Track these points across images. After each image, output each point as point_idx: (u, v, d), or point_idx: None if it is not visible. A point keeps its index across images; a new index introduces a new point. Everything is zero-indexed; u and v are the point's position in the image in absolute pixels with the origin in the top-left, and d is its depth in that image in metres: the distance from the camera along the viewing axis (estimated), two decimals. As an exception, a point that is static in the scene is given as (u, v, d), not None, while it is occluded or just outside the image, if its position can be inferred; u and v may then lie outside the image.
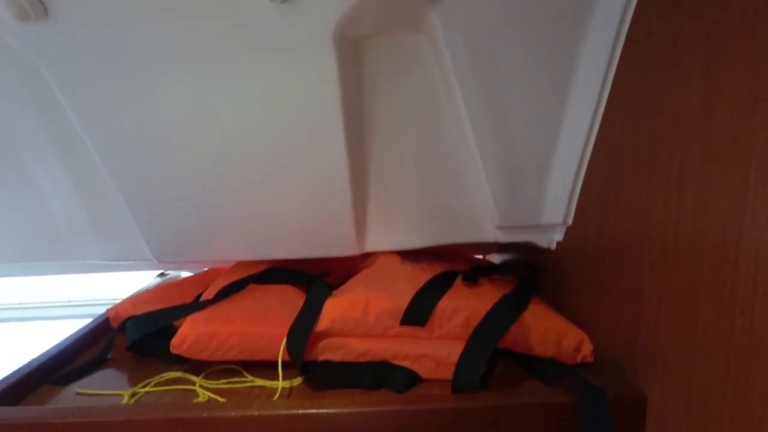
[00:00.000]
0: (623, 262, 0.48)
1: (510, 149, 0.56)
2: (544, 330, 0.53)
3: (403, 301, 0.53)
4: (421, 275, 0.60)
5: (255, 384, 0.53)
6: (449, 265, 0.68)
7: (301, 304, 0.56)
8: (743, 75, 0.31)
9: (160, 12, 0.43)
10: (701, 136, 0.36)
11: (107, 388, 0.53)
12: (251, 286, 0.64)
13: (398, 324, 0.52)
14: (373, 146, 0.60)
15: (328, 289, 0.58)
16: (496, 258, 1.01)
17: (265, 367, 0.54)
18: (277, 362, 0.51)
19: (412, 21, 0.50)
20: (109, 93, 0.51)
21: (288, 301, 0.60)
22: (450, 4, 0.47)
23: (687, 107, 0.37)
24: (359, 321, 0.52)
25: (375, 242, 0.69)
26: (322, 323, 0.52)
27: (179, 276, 1.06)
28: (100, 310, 0.73)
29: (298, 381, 0.53)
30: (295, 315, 0.55)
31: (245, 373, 0.55)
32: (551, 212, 0.61)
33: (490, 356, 0.47)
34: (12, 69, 0.56)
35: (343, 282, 0.63)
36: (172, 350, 0.54)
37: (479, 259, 0.98)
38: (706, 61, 0.35)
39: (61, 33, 0.45)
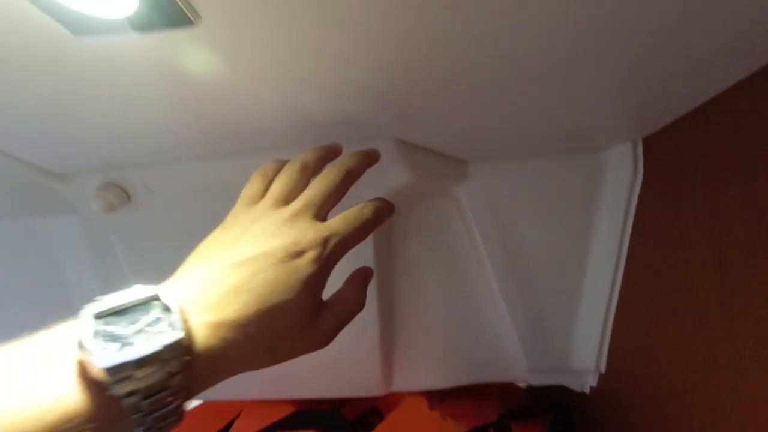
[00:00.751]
0: (662, 410, 0.46)
1: (535, 301, 0.58)
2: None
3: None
4: (448, 428, 0.57)
5: None
6: (478, 405, 0.66)
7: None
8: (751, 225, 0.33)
9: (231, 195, 0.48)
10: (723, 279, 0.36)
11: None
12: (277, 432, 0.62)
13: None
14: (401, 287, 0.62)
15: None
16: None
17: None
18: None
19: (440, 193, 0.55)
20: (167, 265, 0.55)
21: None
22: (473, 179, 0.53)
23: (701, 252, 0.39)
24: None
25: (401, 382, 0.68)
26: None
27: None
28: None
29: None
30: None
31: None
32: (581, 359, 0.61)
33: None
34: (78, 225, 0.62)
35: (361, 415, 0.61)
36: None
37: (510, 385, 0.94)
38: (714, 212, 0.37)
39: (136, 213, 0.50)
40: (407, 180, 0.46)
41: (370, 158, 0.35)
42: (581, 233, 0.54)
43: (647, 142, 0.48)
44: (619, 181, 0.51)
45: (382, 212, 0.32)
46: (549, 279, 0.56)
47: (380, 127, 0.42)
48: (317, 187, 0.30)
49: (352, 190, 0.34)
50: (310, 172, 0.32)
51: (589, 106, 0.38)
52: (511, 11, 0.24)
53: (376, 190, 0.48)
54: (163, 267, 0.58)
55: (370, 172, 0.46)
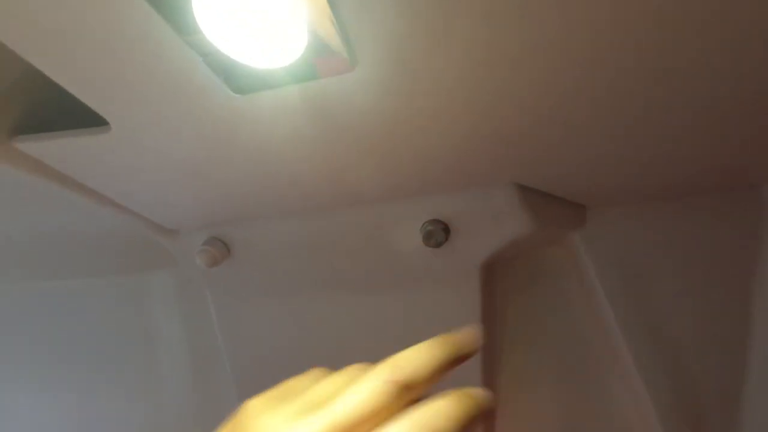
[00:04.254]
0: None
1: (681, 378, 0.47)
2: None
3: None
4: None
5: None
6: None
7: None
8: None
9: (326, 250, 0.46)
10: None
11: None
12: None
13: None
14: (505, 362, 0.55)
15: None
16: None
17: None
18: None
19: (554, 241, 0.49)
20: (258, 323, 0.54)
21: None
22: (594, 225, 0.47)
23: None
24: None
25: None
26: None
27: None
28: None
29: None
30: None
31: None
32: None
33: None
34: (172, 280, 0.63)
35: None
36: None
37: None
38: None
39: (234, 268, 0.50)
40: (526, 228, 0.42)
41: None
42: (740, 291, 0.44)
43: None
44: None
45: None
46: (695, 347, 0.46)
47: (501, 170, 0.38)
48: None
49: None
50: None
51: (748, 131, 0.33)
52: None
53: (490, 239, 0.44)
54: (253, 325, 0.57)
55: (485, 221, 0.42)
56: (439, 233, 0.42)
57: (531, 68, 0.24)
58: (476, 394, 0.20)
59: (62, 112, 0.33)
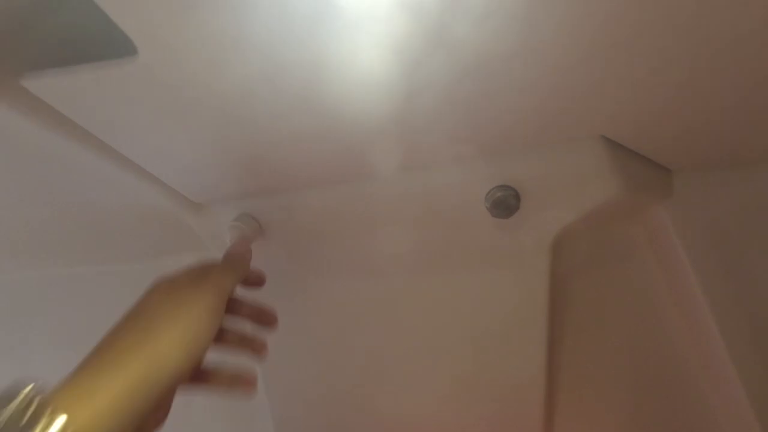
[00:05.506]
0: None
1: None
2: None
3: None
4: None
5: None
6: None
7: None
8: None
9: (374, 225, 0.41)
10: None
11: None
12: None
13: None
14: (570, 348, 0.49)
15: None
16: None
17: None
18: None
19: (634, 212, 0.43)
20: (295, 302, 0.49)
21: None
22: (683, 193, 0.40)
23: None
24: None
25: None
26: None
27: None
28: None
29: None
30: None
31: None
32: None
33: None
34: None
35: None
36: None
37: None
38: None
39: (266, 247, 0.45)
40: (614, 193, 0.35)
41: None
42: None
43: None
44: None
45: None
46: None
47: (586, 120, 0.32)
48: None
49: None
50: None
51: None
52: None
53: (567, 208, 0.38)
54: (290, 313, 0.52)
55: (564, 185, 0.36)
56: (508, 201, 0.36)
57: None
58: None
59: (74, 59, 0.29)
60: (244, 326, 0.33)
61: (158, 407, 0.25)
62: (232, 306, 0.32)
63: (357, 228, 0.42)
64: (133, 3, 0.22)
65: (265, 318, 0.34)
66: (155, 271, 0.63)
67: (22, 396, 0.21)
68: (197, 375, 0.29)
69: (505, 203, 0.36)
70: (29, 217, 0.50)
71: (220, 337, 0.31)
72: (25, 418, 0.20)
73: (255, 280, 0.35)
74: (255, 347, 0.32)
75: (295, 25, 0.23)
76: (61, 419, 0.20)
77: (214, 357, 0.29)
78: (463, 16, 0.22)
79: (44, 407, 0.20)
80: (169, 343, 0.24)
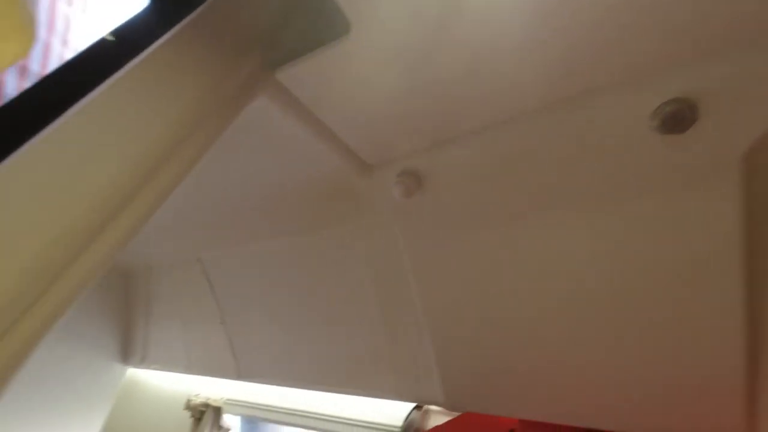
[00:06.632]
0: None
1: None
2: None
3: None
4: None
5: None
6: None
7: None
8: None
9: (531, 164, 0.43)
10: None
11: None
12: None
13: None
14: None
15: None
16: None
17: None
18: None
19: None
20: (453, 252, 0.53)
21: None
22: None
23: None
24: None
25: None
26: None
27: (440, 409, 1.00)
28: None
29: None
30: None
31: None
32: None
33: None
34: (359, 232, 0.68)
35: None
36: None
37: None
38: None
39: (425, 200, 0.51)
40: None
41: None
42: None
43: None
44: None
45: None
46: None
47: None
48: None
49: None
50: None
51: None
52: None
53: (759, 117, 0.34)
54: (449, 262, 0.56)
55: (754, 90, 0.30)
56: (683, 115, 0.34)
57: None
58: None
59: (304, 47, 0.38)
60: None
61: None
62: None
63: (520, 167, 0.44)
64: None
65: None
66: (326, 238, 0.74)
67: None
68: None
69: (679, 117, 0.34)
70: (251, 194, 0.66)
71: None
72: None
73: None
74: None
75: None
76: None
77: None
78: None
79: None
80: None
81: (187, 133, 0.32)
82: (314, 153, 0.52)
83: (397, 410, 1.06)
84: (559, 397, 0.56)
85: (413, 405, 1.12)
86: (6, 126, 0.27)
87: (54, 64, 0.96)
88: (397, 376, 0.73)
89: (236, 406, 1.27)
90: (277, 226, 0.75)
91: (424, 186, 0.50)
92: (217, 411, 1.27)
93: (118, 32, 0.31)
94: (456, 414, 0.92)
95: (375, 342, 0.73)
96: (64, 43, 0.98)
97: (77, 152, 0.28)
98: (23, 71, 0.88)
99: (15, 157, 0.26)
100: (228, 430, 1.27)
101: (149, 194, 0.32)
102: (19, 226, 0.26)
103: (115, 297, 1.14)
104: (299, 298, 0.80)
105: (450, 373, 0.64)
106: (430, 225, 0.55)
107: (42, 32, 0.90)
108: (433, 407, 1.07)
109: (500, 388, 0.60)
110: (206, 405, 1.27)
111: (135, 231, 0.32)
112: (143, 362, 1.14)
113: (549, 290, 0.49)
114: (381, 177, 0.55)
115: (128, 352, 1.15)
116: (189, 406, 1.28)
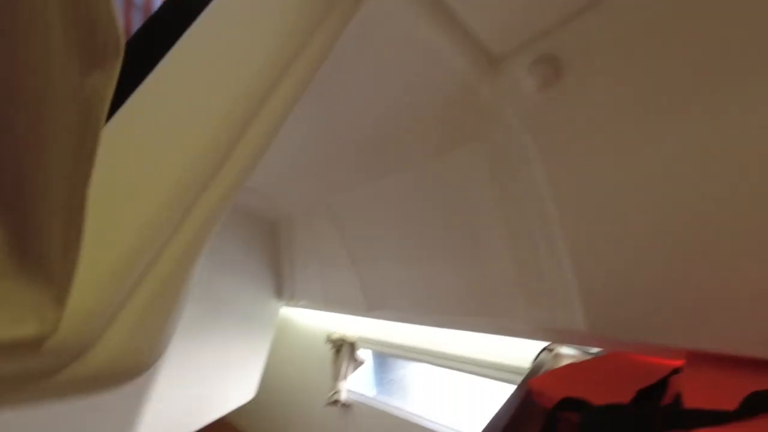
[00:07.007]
0: None
1: None
2: None
3: None
4: None
5: None
6: None
7: None
8: None
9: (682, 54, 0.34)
10: None
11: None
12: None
13: None
14: None
15: None
16: None
17: None
18: None
19: None
20: (598, 158, 0.47)
21: None
22: None
23: None
24: None
25: None
26: None
27: (573, 353, 0.93)
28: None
29: None
30: None
31: None
32: None
33: None
34: (482, 151, 0.65)
35: None
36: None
37: None
38: None
39: (564, 94, 0.46)
40: None
41: None
42: None
43: None
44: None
45: None
46: None
47: None
48: None
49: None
50: None
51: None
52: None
53: None
54: (592, 173, 0.45)
55: None
56: None
57: None
58: None
59: None
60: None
61: None
62: None
63: (693, 26, 0.35)
64: None
65: None
66: (447, 163, 0.72)
67: None
68: None
69: None
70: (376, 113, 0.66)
71: None
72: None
73: None
74: None
75: None
76: None
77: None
78: None
79: None
80: None
81: (315, 24, 0.34)
82: (434, 55, 0.49)
83: (526, 352, 1.02)
84: (743, 321, 0.45)
85: (542, 347, 1.06)
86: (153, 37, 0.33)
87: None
88: (531, 304, 0.69)
89: (369, 342, 1.42)
90: (396, 159, 0.76)
91: (562, 75, 0.43)
92: (352, 346, 1.43)
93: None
94: (591, 355, 0.84)
95: (505, 269, 0.70)
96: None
97: (217, 55, 0.32)
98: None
99: (158, 70, 0.31)
100: (362, 362, 1.43)
101: (277, 103, 0.36)
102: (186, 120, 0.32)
103: (270, 244, 1.36)
104: (424, 230, 0.82)
105: (595, 298, 0.58)
106: (570, 128, 0.47)
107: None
108: (564, 350, 1.00)
109: (662, 312, 0.51)
110: (343, 340, 1.45)
111: (271, 134, 0.37)
112: (292, 299, 1.34)
113: (716, 194, 0.40)
114: (510, 71, 0.49)
115: (281, 291, 1.37)
116: (330, 339, 1.48)
